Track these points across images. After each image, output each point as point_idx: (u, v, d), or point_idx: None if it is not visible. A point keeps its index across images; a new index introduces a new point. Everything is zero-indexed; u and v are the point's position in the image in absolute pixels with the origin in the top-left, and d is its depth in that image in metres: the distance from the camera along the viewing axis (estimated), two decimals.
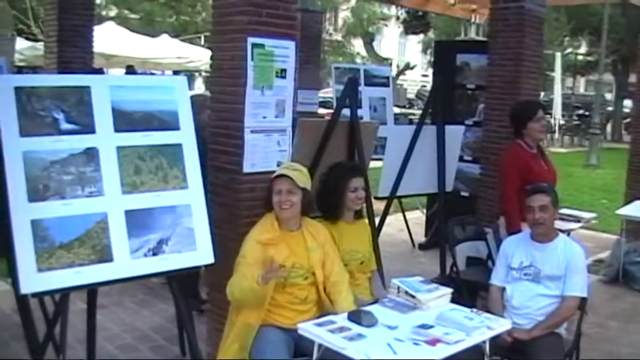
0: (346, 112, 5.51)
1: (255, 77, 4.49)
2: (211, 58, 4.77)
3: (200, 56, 17.64)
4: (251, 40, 4.45)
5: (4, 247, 3.59)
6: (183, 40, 20.86)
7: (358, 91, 5.58)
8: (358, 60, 36.06)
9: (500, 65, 7.26)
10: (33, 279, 3.41)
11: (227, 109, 4.56)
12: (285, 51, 4.65)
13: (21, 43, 17.80)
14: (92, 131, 3.70)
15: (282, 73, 4.65)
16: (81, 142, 3.66)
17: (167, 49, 17.86)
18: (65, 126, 3.63)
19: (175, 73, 21.96)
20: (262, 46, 4.51)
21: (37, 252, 3.43)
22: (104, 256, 3.62)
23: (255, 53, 4.48)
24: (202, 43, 25.15)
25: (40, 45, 17.92)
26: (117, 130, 3.77)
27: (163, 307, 6.35)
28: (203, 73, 24.02)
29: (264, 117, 4.56)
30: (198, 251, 3.93)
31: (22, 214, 3.42)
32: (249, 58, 4.45)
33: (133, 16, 25.86)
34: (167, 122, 3.95)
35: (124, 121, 3.81)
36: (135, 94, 3.89)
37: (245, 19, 4.46)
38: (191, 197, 3.95)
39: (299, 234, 4.22)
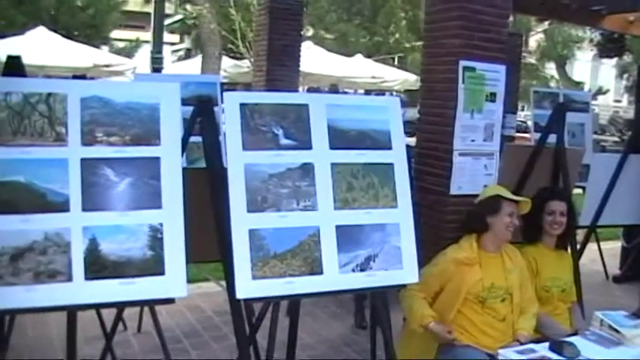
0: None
1: (465, 100, 4.50)
2: (422, 80, 4.84)
3: (394, 76, 17.83)
4: (463, 63, 4.48)
5: (221, 252, 3.79)
6: (376, 61, 21.15)
7: (565, 118, 5.44)
8: (552, 84, 35.10)
9: None
10: (248, 285, 3.56)
11: (436, 130, 4.60)
12: (495, 75, 4.64)
13: (226, 61, 18.78)
14: (309, 147, 3.83)
15: (491, 97, 4.64)
16: (298, 157, 3.79)
17: (361, 68, 18.21)
18: (284, 141, 3.78)
19: (367, 92, 22.34)
20: (473, 69, 4.53)
21: (253, 260, 3.58)
22: (314, 268, 3.72)
23: (466, 76, 4.50)
24: (395, 63, 25.34)
25: (244, 63, 18.90)
26: (332, 147, 3.88)
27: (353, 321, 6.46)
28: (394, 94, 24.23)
29: (473, 140, 4.56)
30: (404, 270, 3.95)
31: (241, 223, 3.59)
32: (461, 81, 4.48)
33: (328, 36, 26.51)
34: (380, 142, 4.01)
35: (339, 138, 3.91)
36: (350, 113, 3.99)
37: (457, 43, 4.50)
38: (400, 216, 3.98)
39: (498, 256, 4.24)
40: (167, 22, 31.27)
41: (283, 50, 8.65)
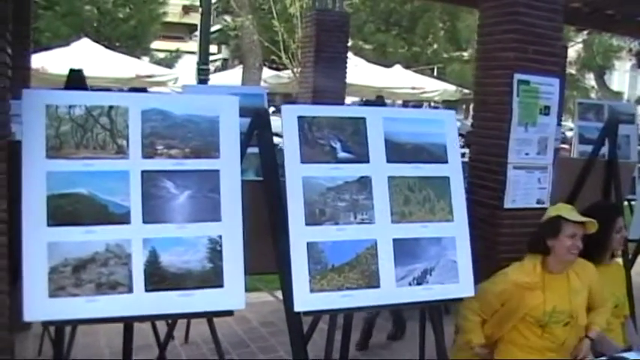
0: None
1: (519, 114, 4.48)
2: (475, 93, 4.81)
3: (434, 87, 17.80)
4: (517, 76, 4.46)
5: (278, 265, 3.80)
6: (415, 71, 21.13)
7: (618, 131, 5.40)
8: (592, 95, 34.76)
9: None
10: (306, 298, 3.57)
11: (490, 144, 4.58)
12: (549, 88, 4.61)
13: (266, 72, 18.90)
14: (366, 161, 3.83)
15: (545, 110, 4.61)
16: (355, 170, 3.80)
17: (401, 79, 18.20)
18: (342, 154, 3.79)
19: (405, 103, 22.33)
20: (528, 82, 4.50)
21: (311, 273, 3.59)
22: (372, 281, 3.72)
23: (520, 89, 4.47)
24: (434, 74, 25.30)
25: (284, 73, 18.99)
26: (389, 160, 3.88)
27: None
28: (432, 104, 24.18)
29: (527, 153, 4.53)
30: (460, 284, 3.94)
31: (300, 236, 3.60)
32: (515, 94, 4.45)
33: (366, 46, 26.54)
34: (436, 155, 4.01)
35: (396, 152, 3.91)
36: (406, 127, 3.99)
37: (511, 55, 4.48)
38: (456, 230, 3.97)
39: (563, 276, 4.11)
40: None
41: (330, 62, 8.68)
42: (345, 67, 8.85)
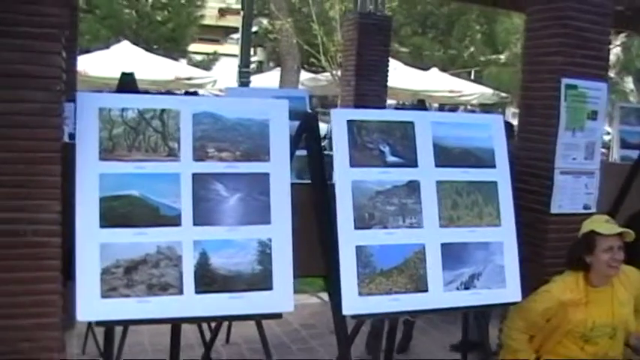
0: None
1: (567, 118, 4.45)
2: (521, 97, 4.80)
3: (472, 90, 17.72)
4: (565, 81, 4.43)
5: (326, 268, 3.81)
6: (452, 74, 21.03)
7: None
8: (632, 98, 34.37)
9: None
10: (354, 302, 3.58)
11: (537, 148, 4.56)
12: (597, 92, 4.58)
13: (303, 75, 18.94)
14: (415, 165, 3.84)
15: (593, 115, 4.57)
16: (404, 174, 3.81)
17: (438, 82, 18.12)
18: (390, 159, 3.80)
19: (441, 106, 22.25)
20: (575, 87, 4.47)
21: (360, 277, 3.61)
22: (419, 286, 3.73)
23: (567, 94, 4.44)
24: (471, 77, 25.17)
25: (322, 76, 19.01)
26: (437, 165, 3.89)
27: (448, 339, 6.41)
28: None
29: (574, 159, 4.50)
30: (507, 289, 3.93)
31: (349, 239, 3.62)
32: (562, 98, 4.42)
33: (403, 49, 26.44)
34: (483, 160, 4.01)
35: (444, 156, 3.92)
36: (454, 131, 3.99)
37: (559, 60, 4.45)
38: (504, 235, 3.97)
39: (607, 289, 4.03)
40: (239, 35, 31.64)
41: (371, 65, 8.68)
42: (387, 71, 8.84)
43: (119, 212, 3.35)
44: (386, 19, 9.01)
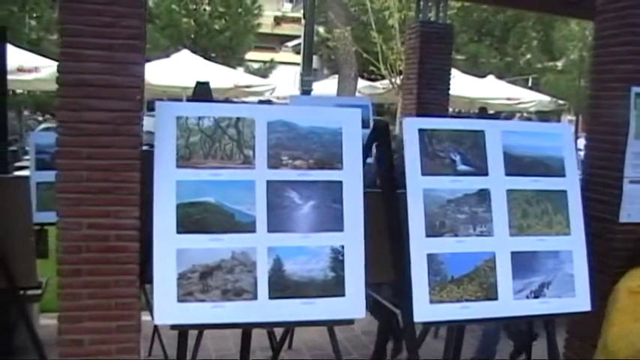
0: None
1: (637, 127, 4.41)
2: (589, 106, 4.76)
3: (530, 98, 17.59)
4: (635, 89, 4.39)
5: (396, 275, 3.85)
6: (508, 82, 20.88)
7: None
8: None
9: None
10: (425, 309, 3.62)
11: (605, 157, 4.53)
12: None
13: (360, 82, 18.98)
14: (485, 174, 3.87)
15: None
16: (475, 183, 3.84)
17: (495, 89, 18.00)
18: (461, 167, 3.84)
19: (497, 114, 22.05)
20: None
21: (431, 284, 3.65)
22: (489, 294, 3.75)
23: (637, 103, 4.40)
24: (529, 84, 24.94)
25: (378, 84, 19.03)
26: (507, 173, 3.91)
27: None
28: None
29: None
30: (577, 298, 3.93)
31: (420, 247, 3.66)
32: (632, 107, 4.39)
33: (459, 57, 26.32)
34: (553, 168, 4.02)
35: (514, 165, 3.94)
36: (524, 140, 4.01)
37: (629, 68, 4.41)
38: (573, 244, 3.97)
39: None
40: (294, 42, 31.83)
41: (433, 73, 8.68)
42: (449, 79, 8.81)
43: (195, 218, 3.44)
44: (447, 27, 8.99)
